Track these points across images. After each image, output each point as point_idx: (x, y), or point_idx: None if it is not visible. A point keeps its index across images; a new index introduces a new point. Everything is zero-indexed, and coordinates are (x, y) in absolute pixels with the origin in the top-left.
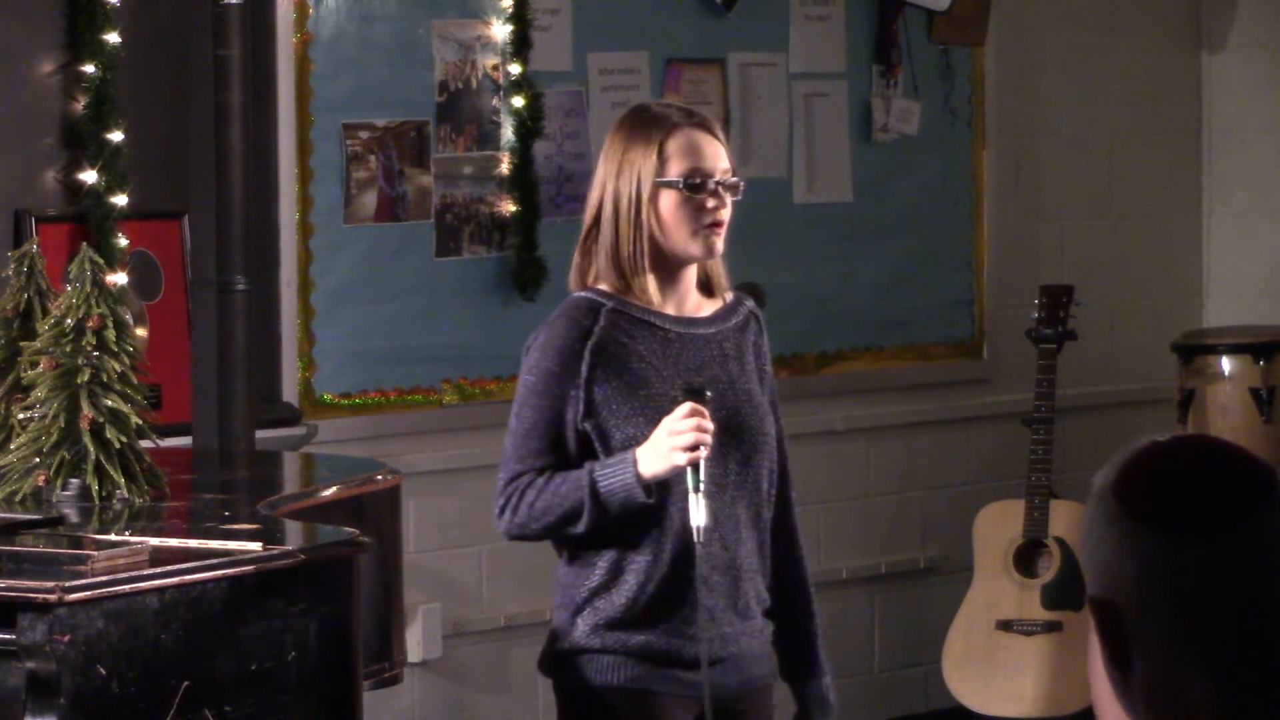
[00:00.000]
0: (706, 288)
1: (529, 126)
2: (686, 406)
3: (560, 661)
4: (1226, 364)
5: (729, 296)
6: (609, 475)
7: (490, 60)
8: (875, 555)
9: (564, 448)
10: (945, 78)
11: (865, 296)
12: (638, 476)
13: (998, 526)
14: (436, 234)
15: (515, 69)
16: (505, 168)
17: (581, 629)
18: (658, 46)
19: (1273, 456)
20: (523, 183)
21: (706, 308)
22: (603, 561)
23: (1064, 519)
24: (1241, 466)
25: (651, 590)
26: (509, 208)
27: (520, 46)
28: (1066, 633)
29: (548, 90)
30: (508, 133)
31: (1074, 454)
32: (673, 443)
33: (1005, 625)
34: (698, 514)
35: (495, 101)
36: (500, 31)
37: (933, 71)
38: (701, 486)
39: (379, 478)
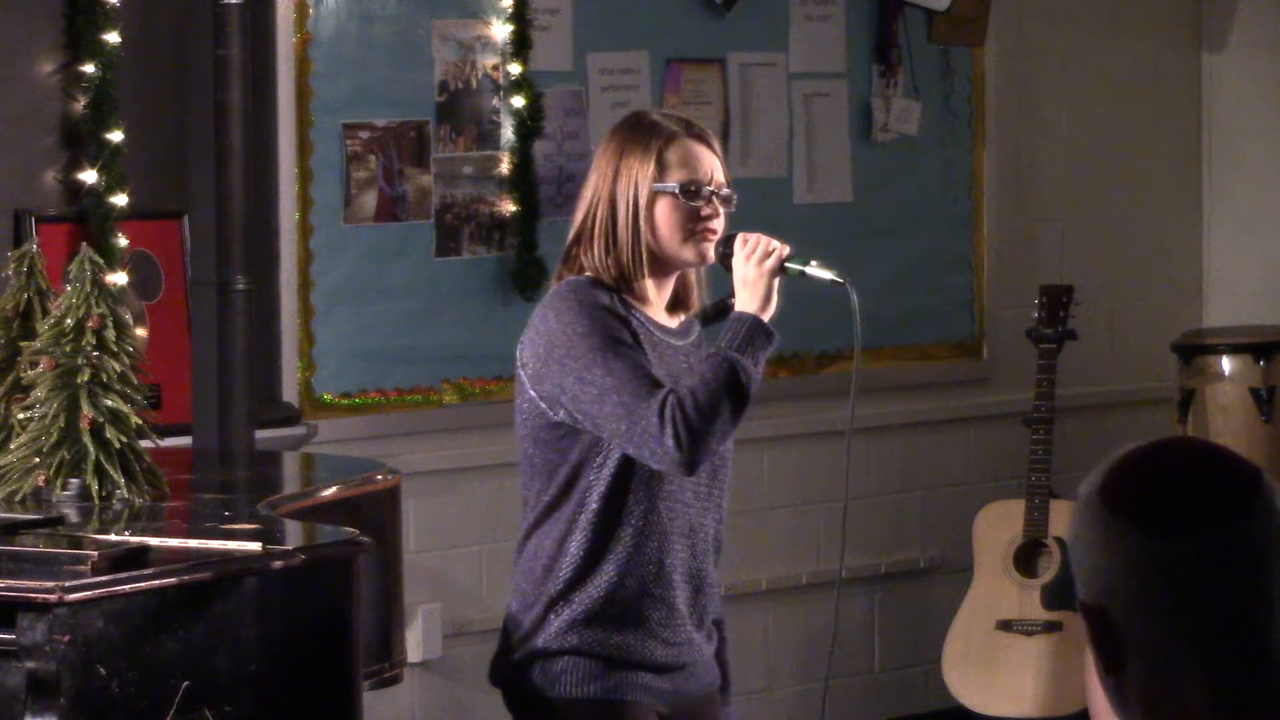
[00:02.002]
0: (678, 303)
1: (529, 126)
2: (739, 237)
3: (524, 668)
4: (1226, 364)
5: (684, 316)
6: (731, 336)
7: (490, 60)
8: (875, 555)
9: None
10: (945, 78)
11: (865, 296)
12: (754, 316)
13: (998, 526)
14: (436, 234)
15: (515, 69)
16: (505, 168)
17: (556, 626)
18: (658, 46)
19: (1273, 456)
20: (523, 183)
21: (672, 321)
22: (576, 548)
23: (1064, 519)
24: (1227, 465)
25: (632, 586)
26: (509, 208)
27: (520, 46)
28: (1066, 633)
29: (548, 90)
30: (508, 133)
31: (1074, 454)
32: (753, 261)
33: (1005, 625)
34: (825, 272)
35: (495, 101)
36: (500, 31)
37: (933, 71)
38: (808, 263)
39: (379, 478)
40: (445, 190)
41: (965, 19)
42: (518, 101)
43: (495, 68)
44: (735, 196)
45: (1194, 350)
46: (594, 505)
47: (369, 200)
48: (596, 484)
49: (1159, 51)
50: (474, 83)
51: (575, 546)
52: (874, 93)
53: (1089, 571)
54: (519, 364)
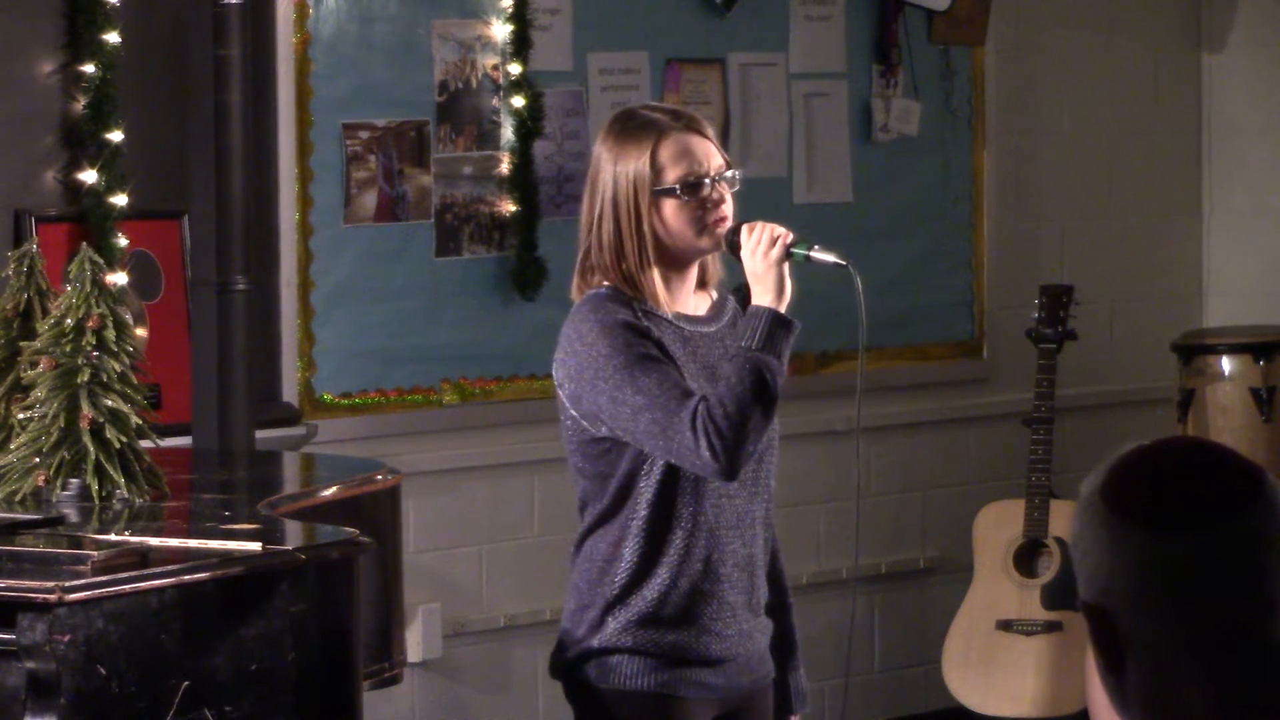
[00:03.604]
0: (699, 282)
1: (529, 126)
2: (744, 227)
3: (580, 664)
4: (1226, 364)
5: (714, 294)
6: (750, 333)
7: (490, 60)
8: (875, 555)
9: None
10: (945, 78)
11: (865, 296)
12: (770, 310)
13: (998, 526)
14: (436, 234)
15: (515, 69)
16: (505, 168)
17: (612, 627)
18: (658, 46)
19: (1273, 456)
20: (523, 183)
21: (701, 305)
22: (630, 554)
23: (1064, 519)
24: (1228, 465)
25: (684, 586)
26: (509, 208)
27: (520, 46)
28: (1066, 633)
29: (548, 90)
30: (508, 133)
31: (1074, 454)
32: (760, 253)
33: (1005, 625)
34: (828, 255)
35: (495, 101)
36: (500, 31)
37: (933, 71)
38: (812, 247)
39: (379, 478)
40: (445, 190)
41: (965, 19)
42: (518, 101)
43: (495, 68)
44: (738, 175)
45: (1194, 350)
46: (644, 511)
47: (369, 200)
48: (646, 491)
49: (1159, 51)
50: (474, 83)
51: (630, 552)
52: (874, 93)
53: (1090, 570)
54: (556, 383)
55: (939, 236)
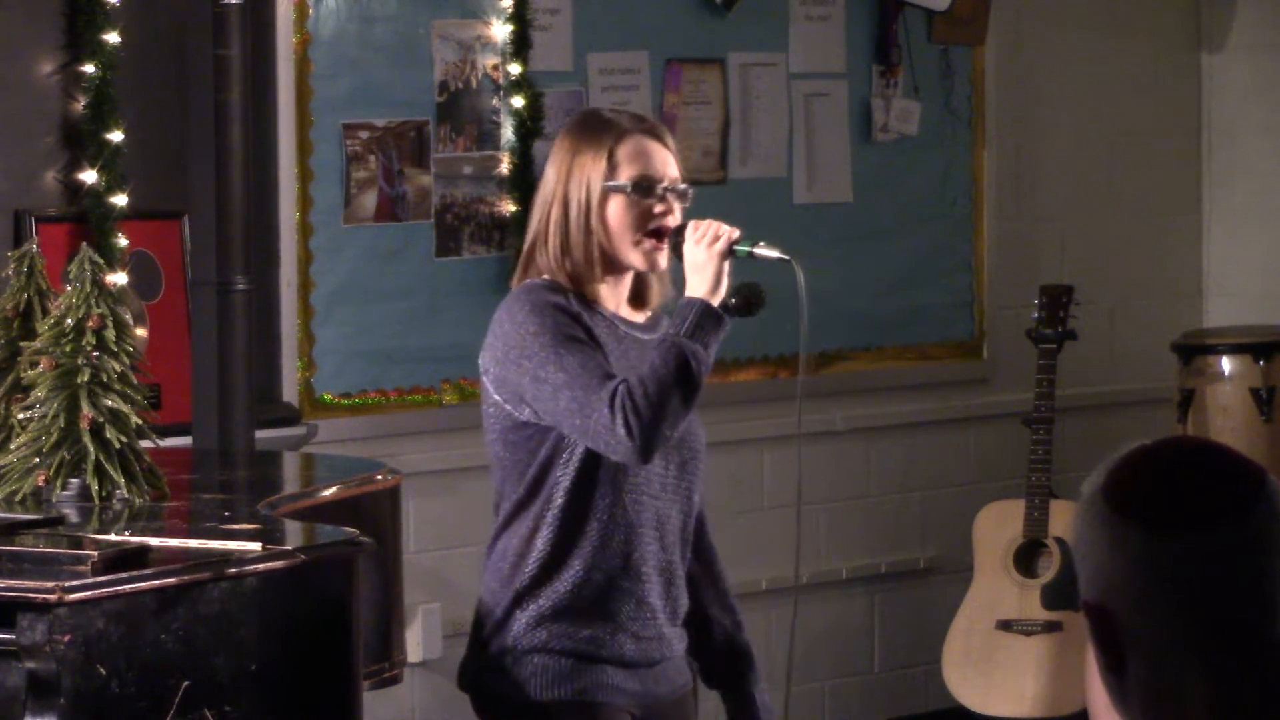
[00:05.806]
0: (638, 299)
1: (529, 126)
2: (691, 223)
3: (493, 670)
4: (1226, 364)
5: (649, 313)
6: (680, 321)
7: (490, 60)
8: (875, 555)
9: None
10: (945, 78)
11: (865, 296)
12: (703, 301)
13: (998, 526)
14: (436, 234)
15: (515, 69)
16: (505, 168)
17: (522, 622)
18: (658, 46)
19: (1273, 456)
20: (523, 183)
21: (637, 316)
22: (543, 543)
23: (1064, 519)
24: (1230, 464)
25: (599, 579)
26: (509, 208)
27: (520, 46)
28: (1066, 633)
29: (548, 90)
30: (508, 133)
31: (1074, 454)
32: (703, 245)
33: (1005, 625)
34: (772, 251)
35: (495, 101)
36: (500, 31)
37: (933, 71)
38: (756, 244)
39: (379, 478)
40: (445, 190)
41: (965, 19)
42: (518, 101)
43: (495, 68)
44: (690, 191)
45: (1194, 350)
46: (560, 500)
47: (369, 200)
48: (563, 479)
49: (1159, 51)
50: (474, 83)
51: (542, 542)
52: (874, 93)
53: (1091, 570)
54: (482, 370)
55: (939, 236)
